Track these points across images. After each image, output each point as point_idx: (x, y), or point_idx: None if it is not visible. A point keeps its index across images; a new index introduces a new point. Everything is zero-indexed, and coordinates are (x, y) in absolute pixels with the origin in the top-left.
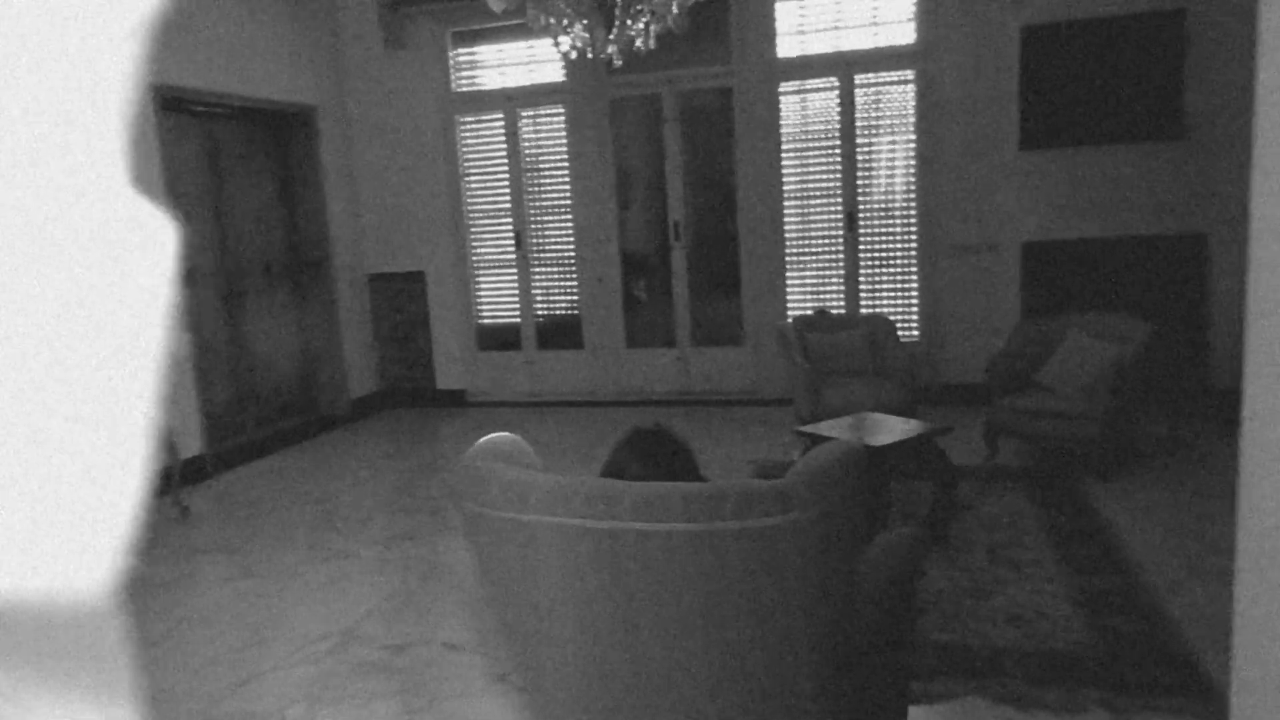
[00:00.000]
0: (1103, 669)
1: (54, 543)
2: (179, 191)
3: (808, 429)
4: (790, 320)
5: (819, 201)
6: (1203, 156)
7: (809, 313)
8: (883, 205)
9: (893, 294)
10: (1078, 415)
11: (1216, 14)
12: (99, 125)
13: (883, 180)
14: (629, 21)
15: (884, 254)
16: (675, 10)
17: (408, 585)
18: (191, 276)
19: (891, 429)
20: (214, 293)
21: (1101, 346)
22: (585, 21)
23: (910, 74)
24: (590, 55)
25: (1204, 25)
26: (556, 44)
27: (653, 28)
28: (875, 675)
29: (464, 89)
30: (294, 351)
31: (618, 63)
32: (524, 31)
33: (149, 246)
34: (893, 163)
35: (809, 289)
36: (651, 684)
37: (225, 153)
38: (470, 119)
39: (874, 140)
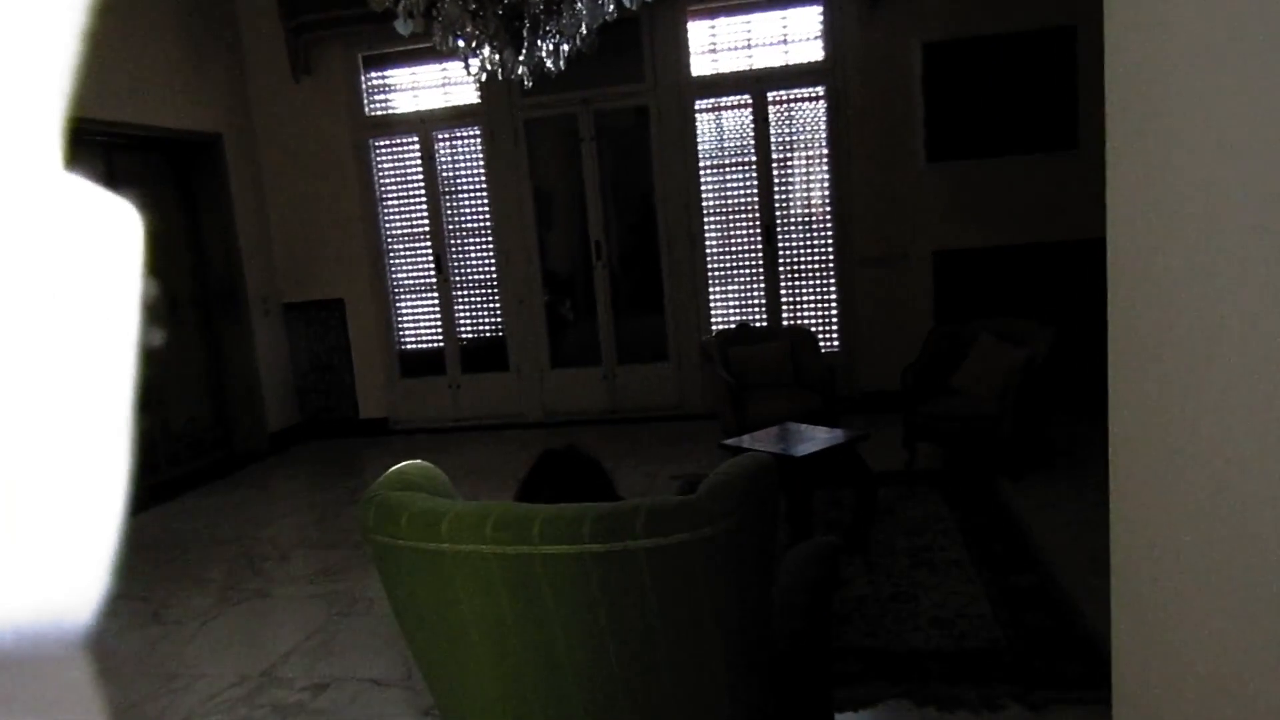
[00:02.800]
0: (1019, 664)
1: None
2: None
3: (731, 442)
4: (713, 335)
5: (737, 217)
6: (1096, 166)
7: (731, 327)
8: (799, 219)
9: (812, 305)
10: (989, 417)
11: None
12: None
13: (798, 194)
14: (538, 42)
15: (802, 267)
16: (584, 31)
17: (329, 622)
18: None
19: (814, 438)
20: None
21: (1009, 350)
22: (494, 43)
23: (820, 90)
24: (500, 76)
25: (1094, 42)
26: (466, 66)
27: (562, 48)
28: (796, 683)
29: (377, 113)
30: (207, 386)
31: (528, 84)
32: (436, 54)
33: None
34: (807, 177)
35: (731, 303)
36: (570, 708)
37: (127, 183)
38: (384, 143)
39: (788, 155)
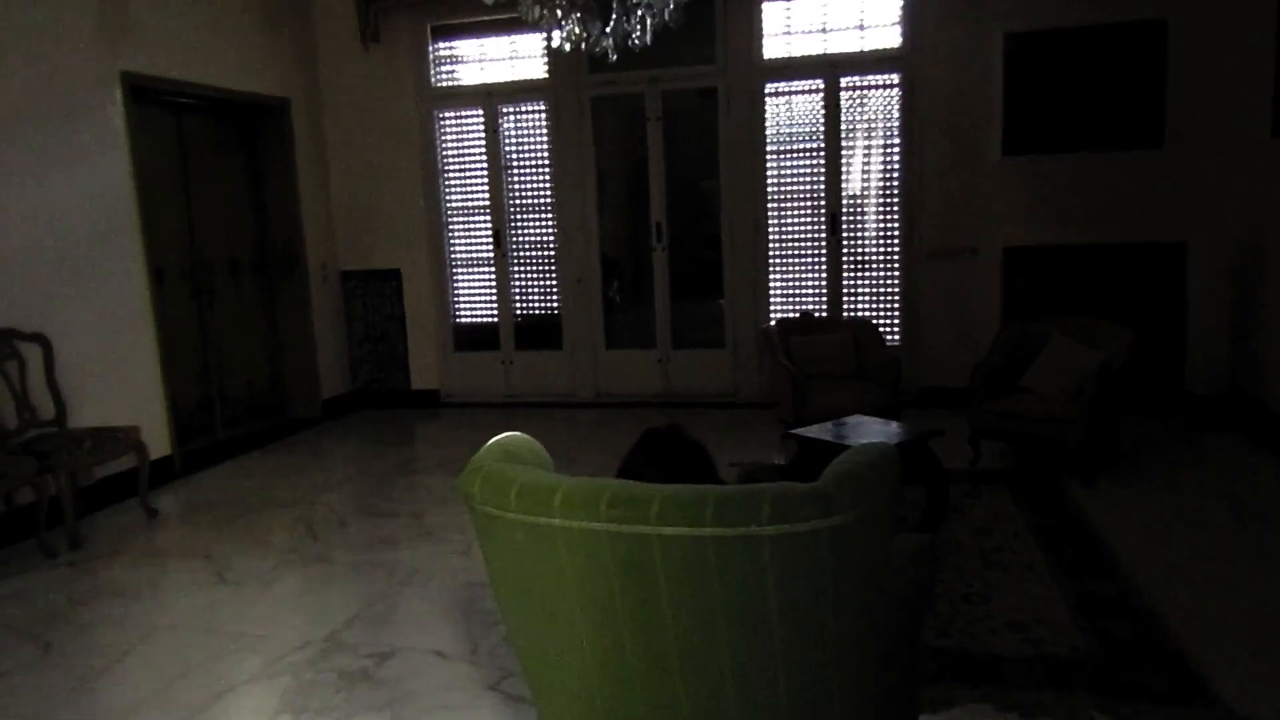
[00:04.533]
0: (1101, 675)
1: None
2: (147, 183)
3: (800, 433)
4: (773, 323)
5: (803, 204)
6: (1182, 165)
7: (793, 316)
8: (866, 208)
9: (874, 298)
10: (1061, 418)
11: (1198, 25)
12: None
13: (866, 183)
14: (626, 16)
15: (867, 257)
16: (672, 4)
17: (390, 591)
18: (159, 274)
19: (884, 432)
20: (182, 290)
21: (1085, 351)
22: (579, 15)
23: (895, 77)
24: (583, 49)
25: (1185, 36)
26: (548, 37)
27: (650, 21)
28: (894, 681)
29: (443, 84)
30: (264, 351)
31: (613, 57)
32: (505, 25)
33: None
34: (876, 166)
35: (791, 292)
36: (673, 691)
37: (195, 145)
38: (449, 114)
39: (858, 143)
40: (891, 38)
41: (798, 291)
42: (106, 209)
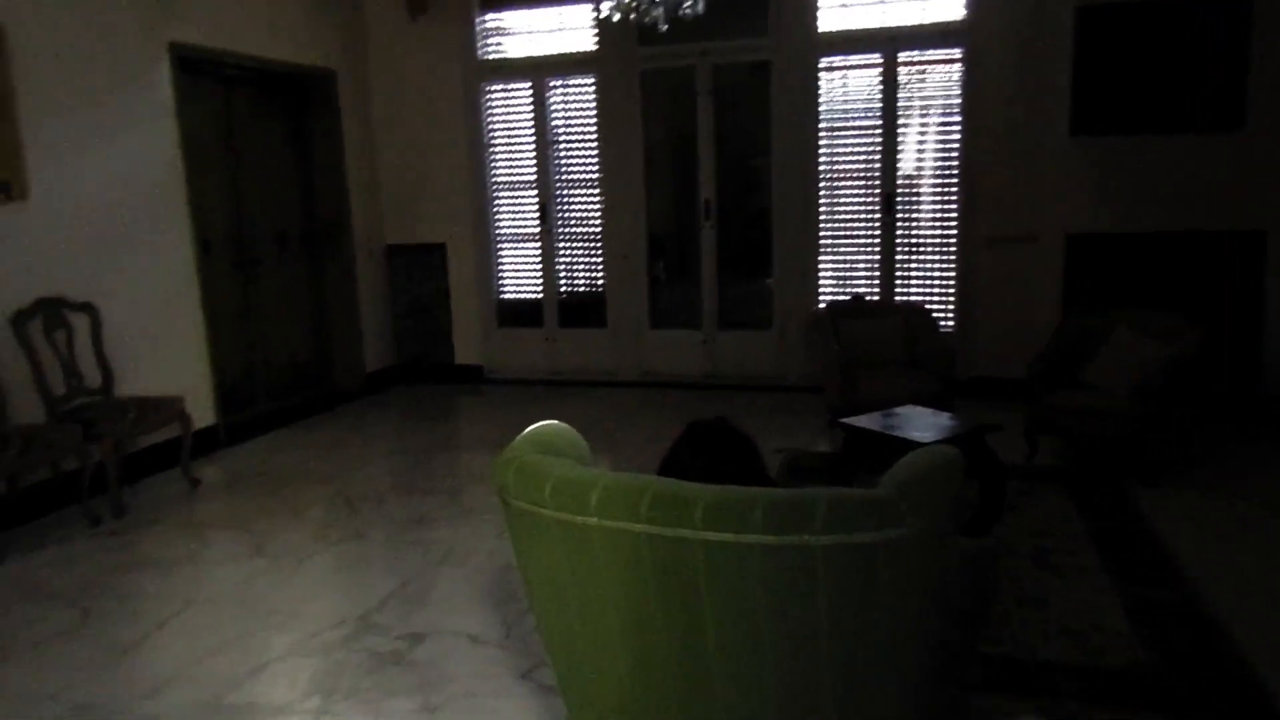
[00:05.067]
0: (1163, 689)
1: None
2: (195, 154)
3: (849, 421)
4: (824, 306)
5: (856, 183)
6: (1265, 150)
7: (844, 299)
8: (921, 190)
9: (928, 282)
10: (1125, 415)
11: None
12: None
13: (923, 164)
14: None
15: (922, 241)
16: None
17: (425, 571)
18: (206, 244)
19: (939, 425)
20: (228, 262)
21: (1152, 346)
22: None
23: (957, 52)
24: (632, 19)
25: (1272, 10)
26: (597, 8)
27: None
28: (947, 695)
29: (490, 56)
30: (308, 323)
31: (663, 28)
32: None
33: None
34: (934, 145)
35: (842, 274)
36: (711, 702)
37: (242, 117)
38: (496, 87)
39: (915, 121)
40: (954, 9)
41: (849, 274)
42: (154, 180)
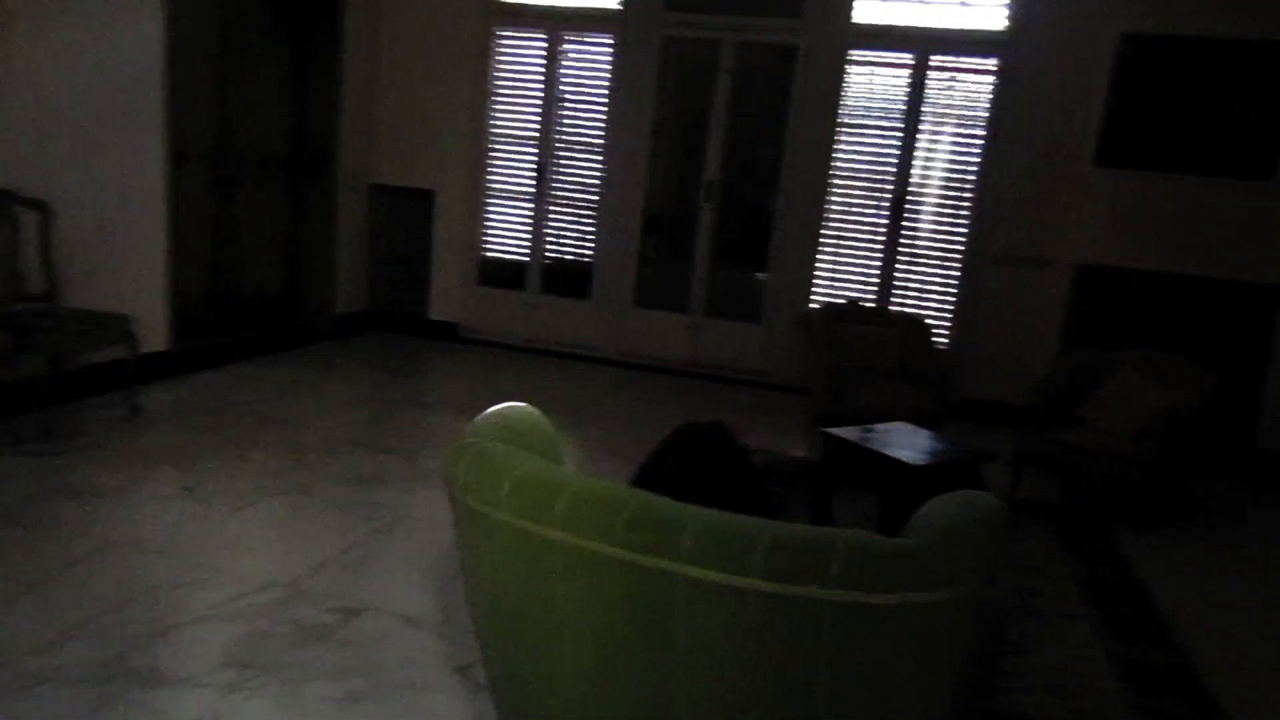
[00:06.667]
0: None
1: None
2: (181, 56)
3: (835, 431)
4: (818, 307)
5: (868, 185)
6: None
7: (840, 302)
8: (933, 200)
9: (927, 295)
10: (1124, 457)
11: None
12: None
13: (939, 173)
14: None
15: (927, 252)
16: None
17: (368, 538)
18: (181, 156)
19: (933, 448)
20: (203, 177)
21: (1157, 389)
22: None
23: (992, 62)
24: None
25: None
26: None
27: None
28: None
29: (508, 0)
30: (281, 254)
31: None
32: None
33: None
34: (954, 156)
35: (840, 275)
36: None
37: (240, 26)
38: (509, 34)
39: (938, 128)
40: (995, 18)
41: (846, 276)
42: (132, 77)
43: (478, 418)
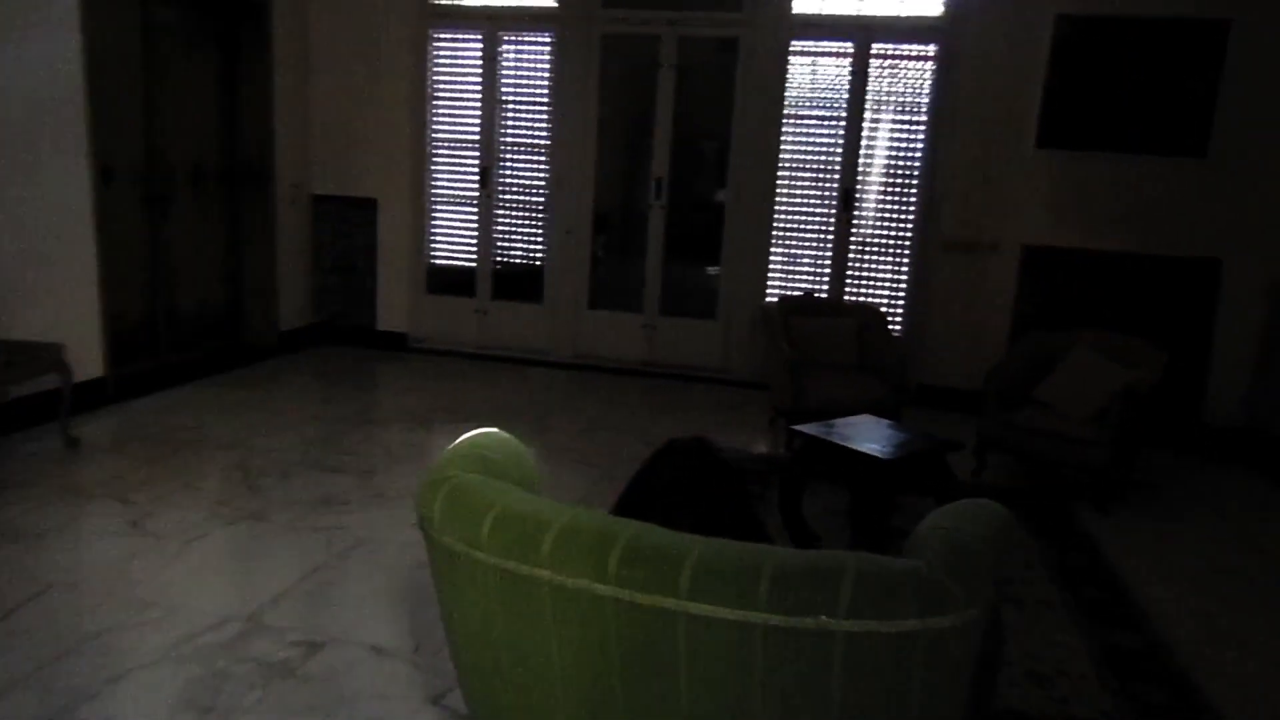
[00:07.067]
0: None
1: None
2: (102, 71)
3: (804, 429)
4: (774, 300)
5: (816, 176)
6: (1225, 178)
7: (795, 294)
8: (882, 188)
9: (879, 284)
10: (1083, 439)
11: (1264, 30)
12: None
13: (886, 162)
14: None
15: (878, 241)
16: None
17: (329, 564)
18: (107, 173)
19: (901, 440)
20: (133, 195)
21: (1112, 369)
22: None
23: (931, 49)
24: None
25: (1248, 40)
26: None
27: None
28: None
29: (443, 1)
30: (221, 270)
31: None
32: None
33: None
34: (899, 144)
35: (794, 268)
36: None
37: (164, 36)
38: (445, 35)
39: (882, 116)
40: (932, 5)
41: (800, 268)
42: (51, 95)
43: (449, 447)
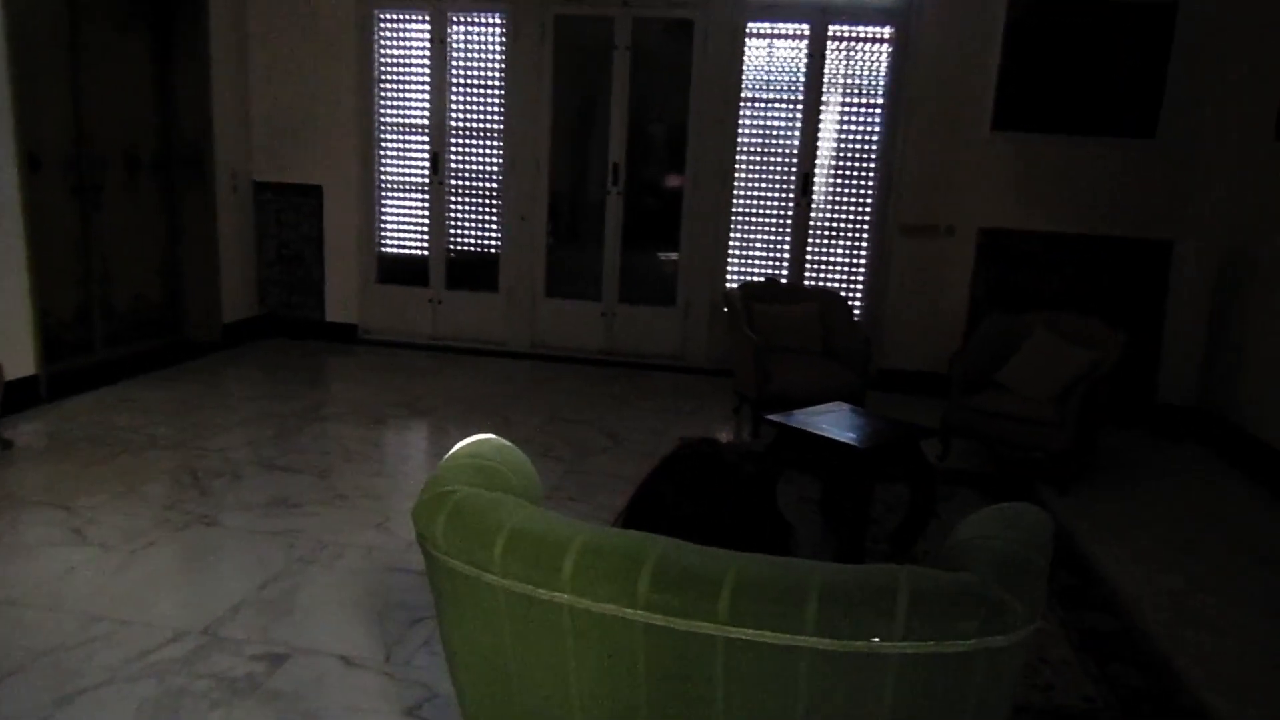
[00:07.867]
0: None
1: None
2: (24, 54)
3: (779, 419)
4: (736, 286)
5: (774, 160)
6: (1174, 159)
7: (758, 280)
8: (840, 172)
9: (839, 269)
10: (1045, 421)
11: (1209, 14)
12: None
13: (843, 145)
14: None
15: (837, 225)
16: None
17: (289, 570)
18: (34, 161)
19: (874, 428)
20: (64, 184)
21: (1073, 351)
22: None
23: (887, 31)
24: None
25: (1194, 23)
26: None
27: None
28: None
29: None
30: (159, 261)
31: None
32: None
33: None
34: (856, 127)
35: (753, 254)
36: None
37: (91, 16)
38: (392, 17)
39: (839, 99)
40: None
41: (758, 253)
42: None
43: (446, 457)
